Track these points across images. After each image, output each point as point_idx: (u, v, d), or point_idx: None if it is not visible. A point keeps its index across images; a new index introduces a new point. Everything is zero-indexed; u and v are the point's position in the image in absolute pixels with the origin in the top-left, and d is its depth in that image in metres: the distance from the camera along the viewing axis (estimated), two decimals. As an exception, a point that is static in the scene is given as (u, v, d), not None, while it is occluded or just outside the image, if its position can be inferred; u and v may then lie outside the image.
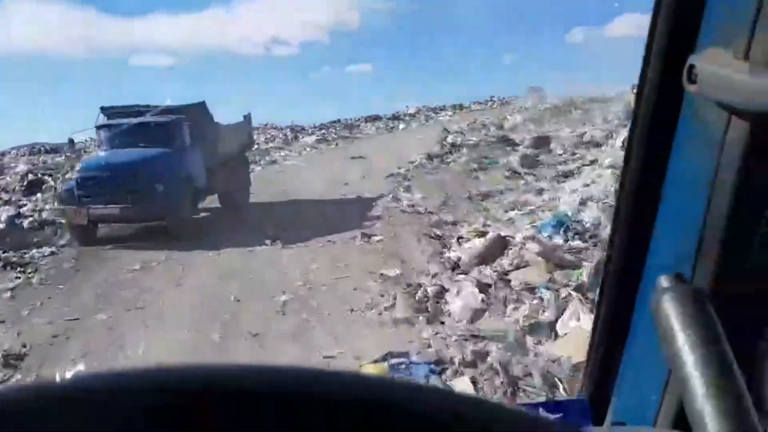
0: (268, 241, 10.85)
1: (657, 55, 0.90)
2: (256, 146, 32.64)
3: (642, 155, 0.98)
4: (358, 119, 41.54)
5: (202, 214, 13.33)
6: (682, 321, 0.68)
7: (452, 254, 8.11)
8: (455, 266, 7.68)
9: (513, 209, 10.55)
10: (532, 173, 14.06)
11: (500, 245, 7.61)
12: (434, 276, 7.55)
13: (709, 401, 0.62)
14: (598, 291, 1.21)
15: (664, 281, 0.73)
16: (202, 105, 12.81)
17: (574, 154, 14.63)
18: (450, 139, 22.87)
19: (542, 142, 15.79)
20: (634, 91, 1.02)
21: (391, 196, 13.78)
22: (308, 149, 29.29)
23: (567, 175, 12.90)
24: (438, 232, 9.89)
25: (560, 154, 14.78)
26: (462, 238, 8.80)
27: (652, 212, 0.98)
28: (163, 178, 10.92)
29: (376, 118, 41.59)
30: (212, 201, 13.88)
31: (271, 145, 32.85)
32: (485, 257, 7.44)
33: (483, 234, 8.36)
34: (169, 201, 10.85)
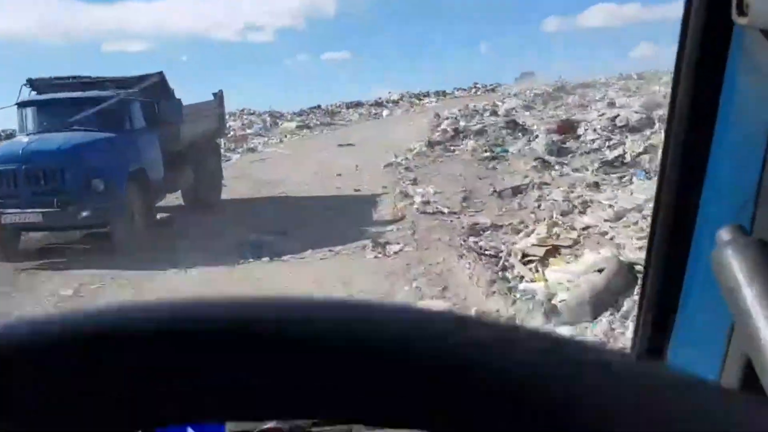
0: (249, 253, 7.90)
1: None
2: (231, 132, 29.60)
3: (689, 99, 0.84)
4: (339, 105, 38.42)
5: (163, 216, 10.24)
6: (748, 274, 0.60)
7: (531, 285, 5.18)
8: (551, 311, 4.70)
9: (579, 210, 7.68)
10: (562, 162, 11.25)
11: (626, 278, 4.65)
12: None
13: None
14: (646, 246, 1.03)
15: (724, 234, 0.65)
16: (159, 78, 9.53)
17: (609, 139, 11.88)
18: (446, 125, 19.99)
19: (567, 127, 13.03)
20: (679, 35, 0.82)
21: (398, 190, 10.81)
22: (289, 136, 26.14)
23: (614, 164, 10.13)
24: (481, 243, 6.98)
25: (592, 140, 12.03)
26: (529, 257, 5.90)
27: (704, 160, 0.85)
28: (103, 172, 7.80)
29: (358, 105, 38.50)
30: (174, 198, 10.80)
31: (249, 131, 29.75)
32: (604, 298, 4.45)
33: (565, 249, 5.50)
34: (113, 203, 7.72)
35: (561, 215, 7.34)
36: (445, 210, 9.00)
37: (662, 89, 26.93)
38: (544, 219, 7.24)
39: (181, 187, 10.07)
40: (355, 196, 11.10)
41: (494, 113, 24.79)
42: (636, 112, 12.91)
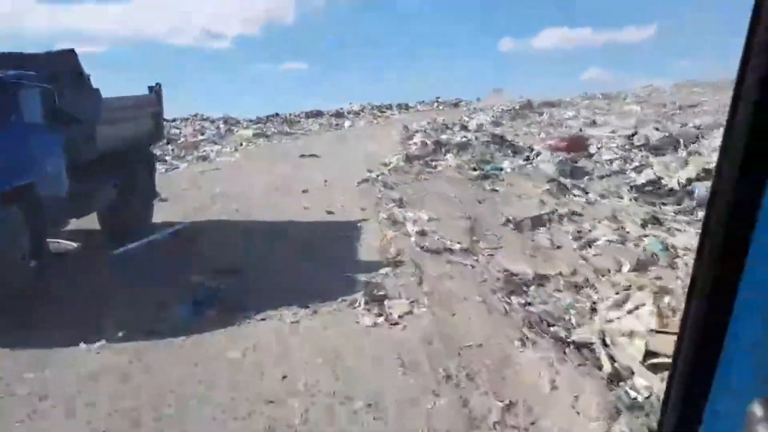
0: (187, 310, 5.24)
1: None
2: (182, 138, 26.59)
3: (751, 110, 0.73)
4: (299, 114, 35.76)
5: (66, 245, 7.35)
6: None
7: None
8: None
9: (670, 263, 5.32)
10: (578, 185, 9.03)
11: None
12: None
13: None
14: (683, 309, 0.94)
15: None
16: (68, 56, 6.65)
17: (628, 160, 9.79)
18: (418, 138, 17.66)
19: (577, 145, 10.88)
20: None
21: (382, 215, 8.28)
22: (245, 144, 23.33)
23: (654, 192, 7.95)
24: (532, 308, 4.54)
25: (609, 161, 9.91)
26: (653, 355, 3.45)
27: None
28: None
29: (318, 114, 35.91)
30: (86, 223, 7.92)
31: (201, 137, 26.77)
32: None
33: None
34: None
35: (639, 268, 5.04)
36: (455, 246, 6.55)
37: (636, 108, 25.71)
38: (611, 270, 4.95)
39: (97, 208, 7.19)
40: (329, 221, 8.53)
41: (464, 128, 22.75)
42: (657, 130, 10.84)
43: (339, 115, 35.79)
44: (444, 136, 14.95)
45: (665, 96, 28.66)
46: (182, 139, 27.25)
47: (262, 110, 33.70)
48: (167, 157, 19.43)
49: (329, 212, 9.25)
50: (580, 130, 14.28)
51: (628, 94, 31.51)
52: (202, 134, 27.82)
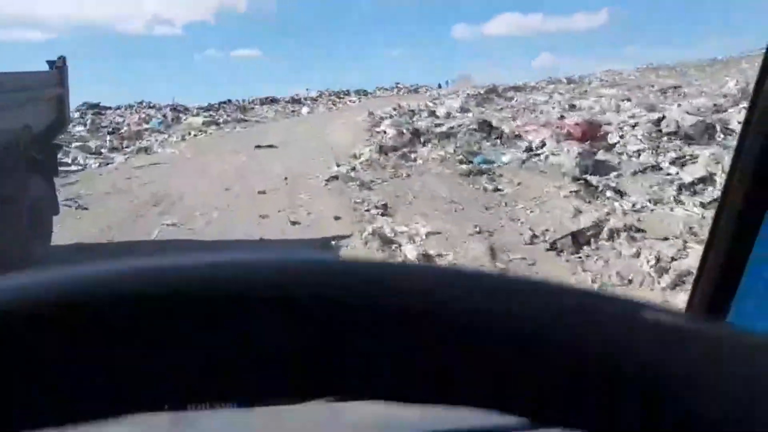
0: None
1: None
2: (125, 128, 23.74)
3: None
4: (253, 101, 33.06)
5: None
6: None
7: None
8: None
9: None
10: (608, 184, 7.07)
11: None
12: None
13: None
14: (720, 194, 0.98)
15: None
16: None
17: (661, 150, 7.88)
18: (387, 125, 15.52)
19: (593, 132, 8.91)
20: None
21: (369, 229, 6.12)
22: (194, 133, 20.73)
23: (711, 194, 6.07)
24: None
25: (636, 152, 7.98)
26: None
27: None
28: None
29: (273, 101, 33.28)
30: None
31: (145, 126, 23.93)
32: None
33: None
34: None
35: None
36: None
37: (611, 92, 24.15)
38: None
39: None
40: (296, 239, 6.32)
41: (432, 113, 20.73)
42: (689, 114, 8.97)
43: (295, 101, 33.26)
44: (422, 123, 12.81)
45: (633, 80, 27.28)
46: (125, 128, 24.43)
47: (214, 98, 30.87)
48: (103, 150, 16.72)
49: (294, 222, 7.04)
50: (603, 113, 12.15)
51: (592, 78, 30.08)
52: (147, 123, 25.02)
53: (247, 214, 7.45)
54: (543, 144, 8.99)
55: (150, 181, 10.44)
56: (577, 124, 9.45)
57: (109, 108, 30.17)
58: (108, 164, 13.97)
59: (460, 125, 11.96)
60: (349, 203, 7.65)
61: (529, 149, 9.12)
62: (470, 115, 20.34)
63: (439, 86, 38.18)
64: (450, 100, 24.28)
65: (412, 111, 21.35)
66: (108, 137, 21.06)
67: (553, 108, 17.73)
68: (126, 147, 17.71)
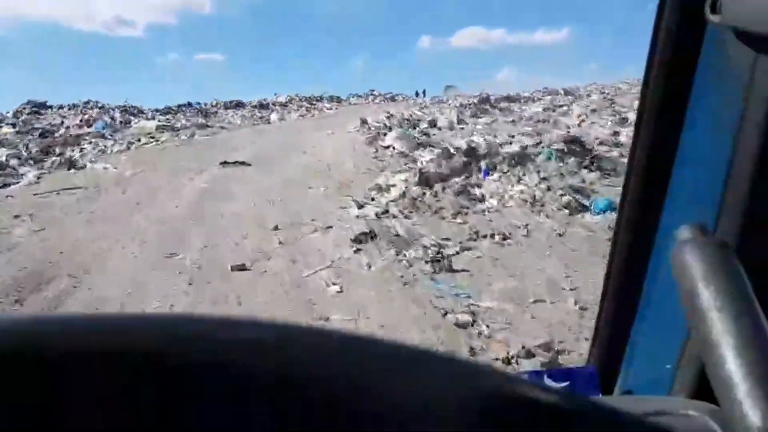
0: None
1: None
2: (62, 130, 19.01)
3: (659, 96, 0.76)
4: (216, 105, 28.38)
5: None
6: (705, 275, 0.49)
7: None
8: None
9: None
10: None
11: None
12: None
13: (737, 365, 0.44)
14: (609, 251, 0.90)
15: (684, 231, 0.54)
16: None
17: None
18: (392, 139, 11.47)
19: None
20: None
21: None
22: (144, 140, 16.10)
23: None
24: None
25: None
26: None
27: (670, 158, 0.76)
28: None
29: (239, 105, 28.68)
30: None
31: (87, 129, 19.19)
32: None
33: None
34: None
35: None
36: None
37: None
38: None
39: None
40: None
41: (433, 124, 16.77)
42: None
43: (263, 106, 28.70)
44: (478, 139, 8.71)
45: (630, 95, 24.01)
46: (62, 132, 19.48)
47: (173, 100, 26.00)
48: (13, 161, 11.96)
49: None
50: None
51: (590, 91, 26.73)
52: (90, 126, 20.12)
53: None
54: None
55: (49, 223, 6.03)
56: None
57: (49, 106, 25.02)
58: (9, 185, 9.35)
59: (536, 145, 7.95)
60: (429, 316, 3.49)
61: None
62: (478, 125, 16.50)
63: (416, 95, 34.27)
64: (437, 110, 20.37)
65: (408, 120, 17.37)
66: (38, 141, 16.26)
67: (601, 124, 13.84)
68: (58, 155, 13.11)
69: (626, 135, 10.33)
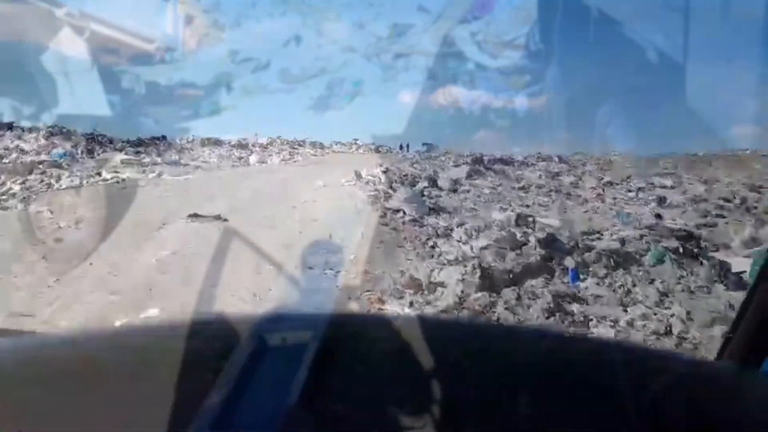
0: None
1: None
2: (13, 155, 16.48)
3: None
4: (191, 140, 25.88)
5: None
6: None
7: None
8: None
9: None
10: None
11: None
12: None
13: None
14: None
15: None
16: None
17: None
18: (402, 203, 9.38)
19: None
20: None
21: None
22: (103, 174, 13.63)
23: None
24: None
25: None
26: None
27: None
28: None
29: (216, 143, 26.23)
30: None
31: (43, 158, 16.78)
32: None
33: None
34: None
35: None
36: None
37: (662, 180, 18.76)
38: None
39: None
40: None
41: (434, 184, 14.74)
42: None
43: (243, 146, 26.39)
44: (551, 220, 6.56)
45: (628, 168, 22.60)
46: (13, 157, 16.82)
47: (147, 132, 23.31)
48: None
49: None
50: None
51: (585, 159, 25.29)
52: (47, 153, 17.54)
53: None
54: None
55: None
56: None
57: (18, 129, 22.09)
58: None
59: (639, 238, 5.82)
60: None
61: None
62: (485, 190, 14.55)
63: (401, 148, 32.46)
64: (454, 169, 18.44)
65: (405, 176, 15.30)
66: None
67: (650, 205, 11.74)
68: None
69: (681, 222, 8.37)
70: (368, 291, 4.36)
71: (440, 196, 12.61)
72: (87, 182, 12.17)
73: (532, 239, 5.25)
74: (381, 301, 4.01)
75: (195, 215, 8.02)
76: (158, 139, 23.96)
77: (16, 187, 10.69)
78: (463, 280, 4.30)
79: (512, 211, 7.68)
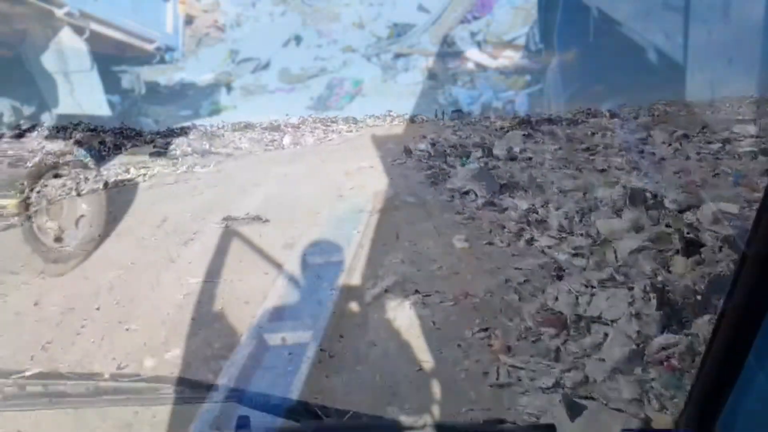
0: None
1: None
2: (39, 156, 15.41)
3: None
4: (222, 126, 24.53)
5: None
6: None
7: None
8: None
9: None
10: None
11: None
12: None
13: None
14: (719, 312, 0.83)
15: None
16: None
17: None
18: (465, 179, 7.83)
19: None
20: None
21: None
22: (132, 171, 12.49)
23: None
24: None
25: None
26: None
27: None
28: None
29: (247, 127, 24.80)
30: None
31: (69, 157, 15.41)
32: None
33: None
34: None
35: None
36: None
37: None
38: None
39: None
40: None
41: (488, 153, 13.04)
42: None
43: (274, 128, 24.95)
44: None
45: (693, 116, 20.22)
46: (37, 159, 15.75)
47: (176, 122, 22.10)
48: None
49: None
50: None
51: (629, 112, 22.87)
52: (70, 154, 16.35)
53: None
54: None
55: None
56: None
57: (42, 128, 21.19)
58: None
59: None
60: None
61: None
62: (547, 155, 12.78)
63: (435, 116, 30.54)
64: (474, 134, 16.63)
65: (454, 148, 13.63)
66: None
67: None
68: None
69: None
70: (482, 331, 2.89)
71: (498, 167, 10.95)
72: (112, 182, 10.96)
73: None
74: (507, 350, 2.54)
75: (228, 217, 6.66)
76: (187, 127, 22.77)
77: (33, 196, 9.54)
78: (637, 314, 2.68)
79: (619, 184, 6.04)
